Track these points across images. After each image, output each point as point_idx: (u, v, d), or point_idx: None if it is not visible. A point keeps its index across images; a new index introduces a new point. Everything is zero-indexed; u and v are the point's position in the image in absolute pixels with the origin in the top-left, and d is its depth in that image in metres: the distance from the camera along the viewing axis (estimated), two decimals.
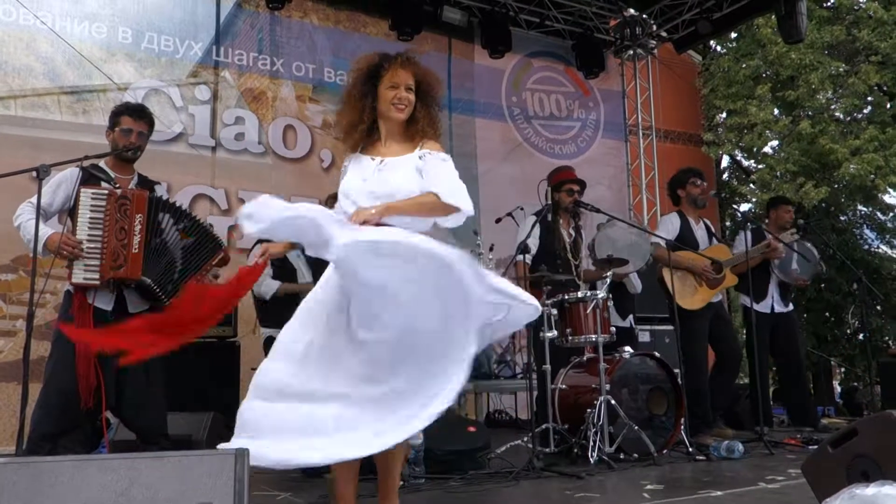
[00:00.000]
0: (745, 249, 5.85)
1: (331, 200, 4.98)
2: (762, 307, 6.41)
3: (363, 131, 2.93)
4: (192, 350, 5.94)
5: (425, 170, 2.82)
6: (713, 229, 6.26)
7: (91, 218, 3.65)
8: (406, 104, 2.87)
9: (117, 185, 3.84)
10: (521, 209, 6.34)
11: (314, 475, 4.31)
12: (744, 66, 11.15)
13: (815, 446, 4.85)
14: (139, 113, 4.03)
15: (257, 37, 7.91)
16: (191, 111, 7.37)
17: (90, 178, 3.80)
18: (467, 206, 2.81)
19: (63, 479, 1.99)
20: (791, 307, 6.64)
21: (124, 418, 3.81)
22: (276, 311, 4.66)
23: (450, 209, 2.79)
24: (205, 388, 5.60)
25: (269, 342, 5.80)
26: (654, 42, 9.86)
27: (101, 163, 3.92)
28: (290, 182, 7.71)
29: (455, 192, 2.79)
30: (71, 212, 3.75)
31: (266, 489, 3.90)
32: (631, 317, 6.86)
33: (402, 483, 3.80)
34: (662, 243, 5.67)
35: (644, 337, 7.22)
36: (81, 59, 6.89)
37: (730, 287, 6.05)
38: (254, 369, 6.63)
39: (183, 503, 1.99)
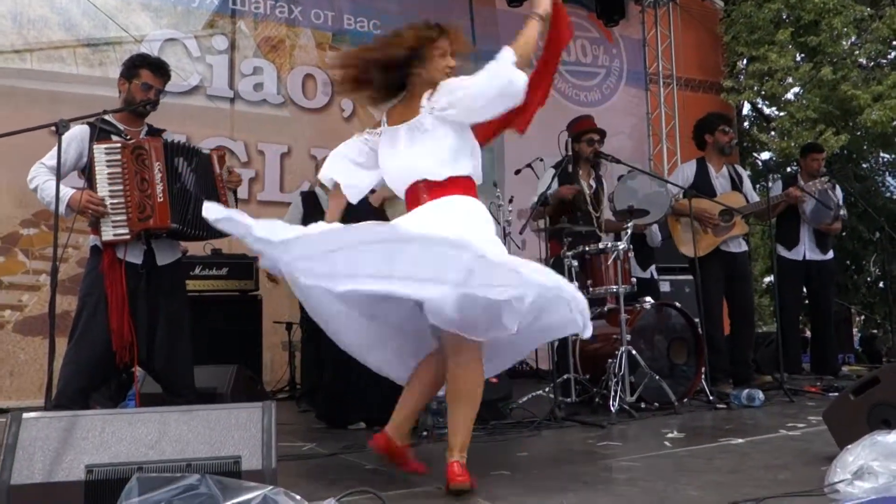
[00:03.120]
0: (766, 198, 5.80)
1: None
2: (794, 254, 6.41)
3: (391, 90, 3.02)
4: (214, 304, 6.03)
5: (457, 85, 2.87)
6: (744, 175, 6.16)
7: (109, 173, 3.63)
8: (452, 70, 2.97)
9: (129, 138, 3.81)
10: (542, 160, 6.29)
11: (338, 426, 4.38)
12: (765, 10, 10.89)
13: (835, 394, 4.89)
14: (161, 70, 3.96)
15: None
16: (208, 62, 7.32)
17: (101, 133, 3.76)
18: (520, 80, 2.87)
19: (94, 433, 2.03)
20: (829, 255, 6.59)
21: (154, 372, 3.85)
22: None
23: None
24: (228, 341, 5.68)
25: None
26: None
27: (110, 116, 3.87)
28: (309, 133, 7.68)
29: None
30: (86, 170, 3.73)
31: (291, 440, 3.96)
32: (653, 267, 6.85)
33: (425, 433, 3.85)
34: (681, 195, 5.63)
35: (664, 287, 7.21)
36: (97, 10, 6.83)
37: (744, 234, 5.96)
38: (276, 322, 6.76)
39: (212, 455, 2.02)
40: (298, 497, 1.83)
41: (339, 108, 7.91)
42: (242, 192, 7.17)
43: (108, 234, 3.62)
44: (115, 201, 3.62)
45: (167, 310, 3.79)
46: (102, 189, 3.61)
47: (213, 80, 7.32)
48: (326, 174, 3.13)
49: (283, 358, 6.74)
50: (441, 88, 2.89)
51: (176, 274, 3.96)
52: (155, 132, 3.99)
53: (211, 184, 3.85)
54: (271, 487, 1.82)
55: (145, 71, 3.90)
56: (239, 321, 6.05)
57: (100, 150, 3.64)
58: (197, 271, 6.03)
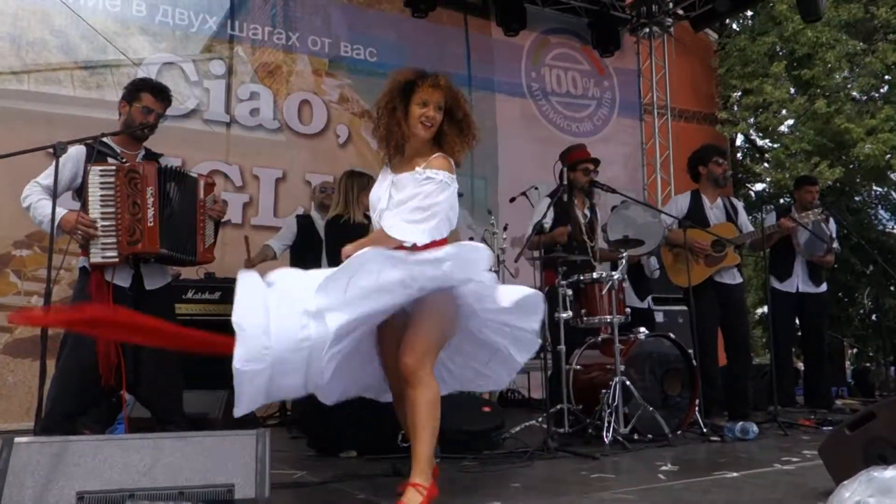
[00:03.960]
0: (759, 229, 5.82)
1: (347, 179, 5.00)
2: (787, 286, 6.44)
3: (394, 146, 3.02)
4: (207, 328, 5.98)
5: (411, 193, 2.91)
6: (739, 207, 6.18)
7: (102, 195, 3.63)
8: (432, 123, 2.97)
9: (125, 161, 3.81)
10: (536, 189, 6.30)
11: (330, 454, 4.35)
12: (759, 43, 11.03)
13: (829, 427, 4.87)
14: (163, 94, 3.98)
15: (271, 11, 7.85)
16: (205, 86, 7.34)
17: (97, 154, 3.76)
18: (409, 239, 2.84)
19: (86, 459, 2.01)
20: (823, 288, 6.60)
21: (141, 397, 3.82)
22: None
23: (394, 242, 2.83)
24: (220, 365, 5.61)
25: None
26: (671, 20, 9.75)
27: (108, 138, 3.88)
28: (304, 158, 7.69)
29: (399, 227, 2.87)
30: (79, 190, 3.73)
31: (282, 468, 3.91)
32: (650, 298, 6.86)
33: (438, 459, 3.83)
34: (675, 225, 5.65)
35: (658, 317, 7.20)
36: (95, 33, 6.86)
37: (737, 265, 5.97)
38: None
39: (205, 483, 2.00)
40: None
41: (335, 133, 7.93)
42: (236, 216, 7.18)
43: (96, 256, 3.62)
44: (106, 223, 3.62)
45: None
46: (94, 211, 3.61)
47: (210, 105, 7.33)
48: None
49: None
50: (422, 176, 2.91)
51: (165, 298, 3.94)
52: (152, 156, 3.99)
53: (191, 208, 3.84)
54: None
55: (147, 94, 3.91)
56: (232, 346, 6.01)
57: (94, 171, 3.64)
58: (190, 295, 6.00)
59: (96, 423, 4.54)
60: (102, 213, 3.62)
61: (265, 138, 7.56)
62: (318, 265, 5.48)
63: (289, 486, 3.43)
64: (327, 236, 5.05)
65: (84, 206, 3.64)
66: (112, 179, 3.64)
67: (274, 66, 7.76)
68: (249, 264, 5.66)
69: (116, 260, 3.63)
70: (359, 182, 4.90)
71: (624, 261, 5.16)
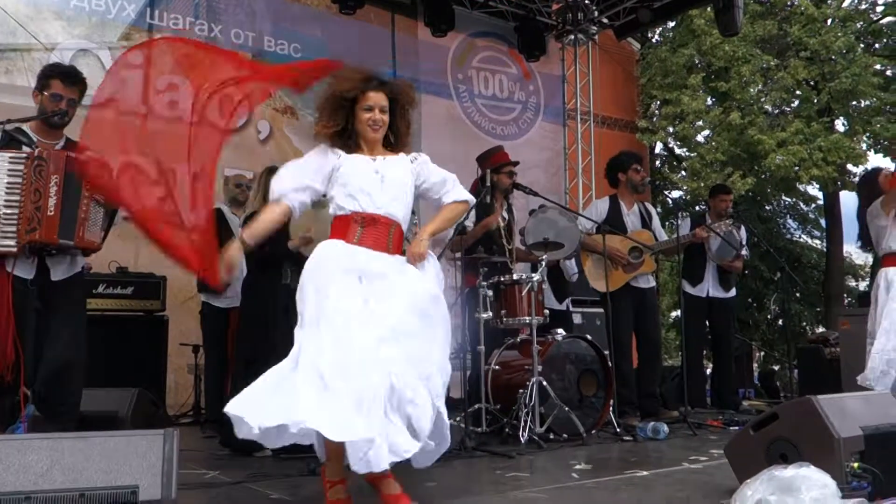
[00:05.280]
0: (675, 236, 5.98)
1: (267, 175, 4.90)
2: (698, 291, 6.63)
3: (339, 136, 3.11)
4: (117, 324, 5.82)
5: (425, 172, 3.23)
6: (653, 213, 6.34)
7: (9, 183, 3.48)
8: (381, 125, 3.12)
9: (39, 149, 3.65)
10: None
11: (244, 454, 4.26)
12: (679, 55, 11.34)
13: (736, 427, 5.03)
14: (72, 78, 3.82)
15: (193, 1, 7.65)
16: (121, 75, 7.10)
17: (11, 141, 3.61)
18: (472, 198, 3.35)
19: None
20: (731, 294, 6.82)
21: (36, 394, 3.65)
22: None
23: (467, 206, 3.32)
24: (130, 363, 5.48)
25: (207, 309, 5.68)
26: (595, 28, 9.91)
27: (26, 126, 3.72)
28: (224, 154, 7.47)
29: (463, 189, 3.28)
30: None
31: (194, 467, 3.83)
32: (568, 300, 6.95)
33: None
34: (594, 230, 5.77)
35: (576, 319, 7.31)
36: (6, 15, 6.56)
37: (649, 272, 6.13)
38: (183, 344, 6.57)
39: (108, 484, 1.93)
40: None
41: (256, 129, 7.78)
42: None
43: None
44: (9, 212, 3.46)
45: (58, 328, 3.62)
46: None
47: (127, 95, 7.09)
48: (280, 186, 3.11)
49: (188, 381, 6.53)
50: (427, 160, 3.28)
51: (72, 290, 3.78)
52: (74, 145, 3.84)
53: (76, 188, 3.61)
54: None
55: (55, 81, 3.76)
56: (143, 342, 5.85)
57: (3, 157, 3.49)
58: (101, 289, 5.81)
59: None
60: (6, 200, 3.47)
61: (183, 132, 7.34)
62: None
63: (199, 487, 3.35)
64: None
65: None
66: (21, 167, 3.49)
67: (195, 58, 7.56)
68: None
69: (14, 249, 3.47)
70: None
71: (543, 263, 5.23)
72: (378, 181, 3.06)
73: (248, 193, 5.63)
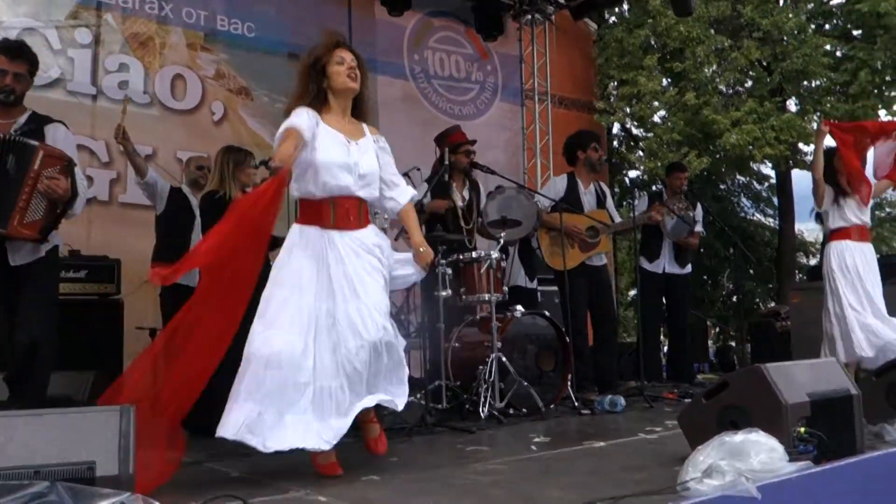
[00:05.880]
0: (632, 216, 6.07)
1: (224, 154, 4.86)
2: (654, 267, 6.75)
3: (312, 105, 3.21)
4: (71, 308, 5.72)
5: (383, 161, 3.36)
6: (608, 193, 6.41)
7: None
8: (357, 75, 3.26)
9: None
10: (418, 170, 6.32)
11: (204, 434, 4.24)
12: (635, 36, 11.41)
13: (690, 399, 5.14)
14: (15, 52, 3.72)
15: None
16: (70, 55, 6.92)
17: None
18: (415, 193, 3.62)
19: None
20: (687, 270, 6.94)
21: (7, 378, 3.60)
22: None
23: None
24: (86, 347, 5.39)
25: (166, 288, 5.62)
26: (552, 8, 9.93)
27: None
28: (177, 135, 7.39)
29: (409, 188, 3.53)
30: None
31: None
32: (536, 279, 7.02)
33: None
34: (548, 206, 5.83)
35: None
36: None
37: (605, 251, 6.23)
38: (139, 328, 6.48)
39: (64, 461, 1.91)
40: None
41: (210, 110, 7.64)
42: (103, 193, 6.85)
43: None
44: None
45: (25, 311, 3.57)
46: None
47: (75, 75, 6.94)
48: (299, 121, 3.10)
49: None
50: (387, 149, 3.43)
51: (37, 274, 3.70)
52: (38, 123, 3.74)
53: (18, 177, 3.51)
54: (128, 494, 1.75)
55: None
56: (98, 326, 5.75)
57: None
58: None
59: None
60: None
61: (135, 112, 7.19)
62: (187, 240, 5.32)
63: None
64: (202, 212, 4.89)
65: None
66: None
67: (146, 38, 7.39)
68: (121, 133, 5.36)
69: None
70: (235, 158, 4.77)
71: (501, 240, 5.27)
72: (355, 169, 3.18)
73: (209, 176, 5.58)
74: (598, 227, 5.95)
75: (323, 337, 3.01)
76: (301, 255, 3.10)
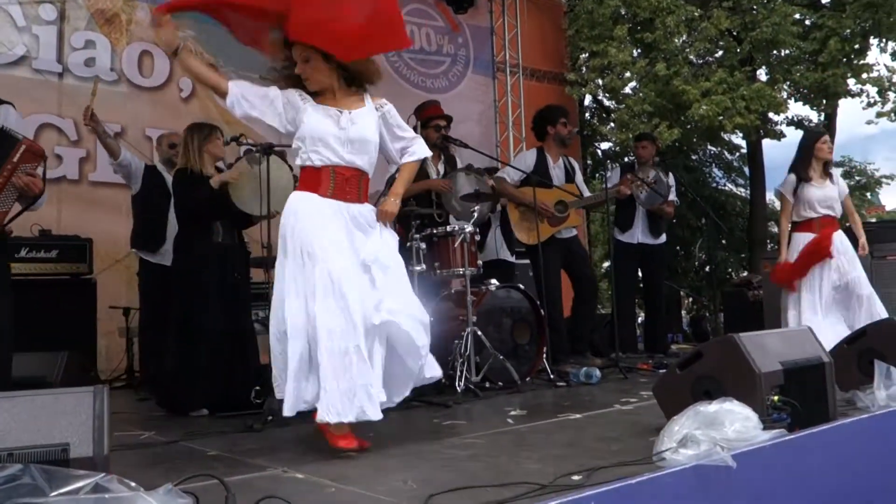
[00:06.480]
0: (601, 192, 6.10)
1: (188, 131, 4.79)
2: (628, 237, 6.79)
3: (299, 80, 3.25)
4: (43, 288, 5.66)
5: (391, 123, 3.39)
6: (576, 167, 6.42)
7: None
8: (307, 76, 3.21)
9: None
10: None
11: (180, 414, 4.24)
12: (605, 6, 11.37)
13: (665, 370, 5.20)
14: None
15: None
16: (34, 32, 6.79)
17: None
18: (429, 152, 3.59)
19: None
20: (661, 240, 6.97)
21: None
22: None
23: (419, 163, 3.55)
24: (59, 328, 5.33)
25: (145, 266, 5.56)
26: None
27: None
28: (145, 112, 7.29)
29: (423, 145, 3.50)
30: None
31: (130, 429, 3.79)
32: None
33: (270, 418, 3.78)
34: (508, 178, 5.91)
35: None
36: None
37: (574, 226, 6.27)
38: (113, 307, 6.42)
39: (36, 443, 1.89)
40: (133, 484, 1.75)
41: (178, 87, 7.54)
42: (73, 172, 6.76)
43: None
44: None
45: None
46: None
47: (41, 52, 6.80)
48: (239, 83, 3.19)
49: (119, 345, 6.40)
50: (393, 110, 3.44)
51: None
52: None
53: None
54: (103, 475, 1.74)
55: None
56: (71, 306, 5.70)
57: None
58: (23, 253, 5.62)
59: None
60: None
61: (102, 90, 7.05)
62: (164, 219, 5.28)
63: (135, 448, 3.32)
64: (175, 190, 4.84)
65: None
66: None
67: (112, 14, 7.26)
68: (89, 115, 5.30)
69: None
70: (199, 134, 4.70)
71: (476, 214, 5.26)
72: (344, 135, 3.18)
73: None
74: (567, 201, 5.97)
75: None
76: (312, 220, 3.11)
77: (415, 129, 5.56)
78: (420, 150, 3.46)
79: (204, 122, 5.19)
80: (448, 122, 5.73)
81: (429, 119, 5.67)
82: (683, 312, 13.68)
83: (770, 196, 13.30)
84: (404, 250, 5.04)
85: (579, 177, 6.34)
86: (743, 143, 14.79)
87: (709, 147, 15.67)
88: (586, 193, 6.32)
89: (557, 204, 5.97)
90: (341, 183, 3.18)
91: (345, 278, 2.97)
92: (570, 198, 6.04)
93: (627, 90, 12.34)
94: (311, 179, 3.18)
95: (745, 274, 12.47)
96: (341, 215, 3.14)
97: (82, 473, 1.70)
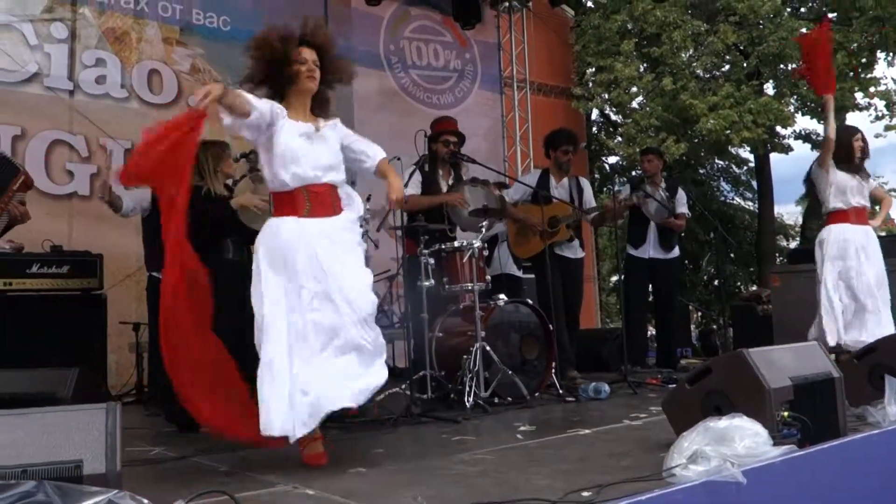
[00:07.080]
0: (590, 208, 6.21)
1: (202, 149, 4.81)
2: (640, 252, 6.85)
3: (274, 92, 3.32)
4: (54, 303, 5.68)
5: (349, 138, 3.49)
6: (584, 187, 6.40)
7: None
8: (316, 75, 3.30)
9: None
10: (399, 159, 6.31)
11: (190, 429, 4.24)
12: (612, 21, 11.42)
13: (674, 385, 5.19)
14: None
15: None
16: (46, 50, 6.84)
17: None
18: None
19: None
20: (673, 254, 6.99)
21: None
22: None
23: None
24: (69, 343, 5.35)
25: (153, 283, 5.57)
26: None
27: None
28: None
29: (377, 146, 3.59)
30: None
31: (141, 445, 3.80)
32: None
33: None
34: (507, 198, 6.11)
35: None
36: None
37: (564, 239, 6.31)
38: (123, 322, 6.45)
39: (50, 460, 1.91)
40: (146, 501, 1.77)
41: (187, 104, 7.58)
42: (84, 188, 6.81)
43: None
44: None
45: None
46: None
47: (52, 70, 6.86)
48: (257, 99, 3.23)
49: (129, 360, 6.43)
50: (345, 128, 3.51)
51: None
52: None
53: None
54: (116, 491, 1.75)
55: None
56: (81, 322, 5.71)
57: None
58: (34, 269, 5.64)
59: None
60: None
61: (113, 106, 7.16)
62: None
63: (146, 463, 3.33)
64: (191, 208, 4.85)
65: None
66: None
67: (122, 32, 7.33)
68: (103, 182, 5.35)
69: None
70: (213, 152, 4.72)
71: (484, 229, 5.29)
72: (318, 157, 3.25)
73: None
74: (559, 216, 6.03)
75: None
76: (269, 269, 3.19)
77: (425, 143, 5.62)
78: (379, 151, 3.57)
79: (215, 139, 5.22)
80: (460, 140, 5.74)
81: (439, 133, 5.69)
82: (692, 326, 13.63)
83: (778, 209, 13.28)
84: (413, 265, 5.10)
85: (587, 195, 6.36)
86: (751, 157, 14.80)
87: (716, 161, 15.67)
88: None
89: (551, 220, 6.04)
90: (317, 201, 3.23)
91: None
92: (565, 214, 6.10)
93: (634, 105, 12.37)
94: (287, 202, 3.23)
95: (755, 288, 12.44)
96: (323, 236, 3.19)
97: (95, 490, 1.72)
